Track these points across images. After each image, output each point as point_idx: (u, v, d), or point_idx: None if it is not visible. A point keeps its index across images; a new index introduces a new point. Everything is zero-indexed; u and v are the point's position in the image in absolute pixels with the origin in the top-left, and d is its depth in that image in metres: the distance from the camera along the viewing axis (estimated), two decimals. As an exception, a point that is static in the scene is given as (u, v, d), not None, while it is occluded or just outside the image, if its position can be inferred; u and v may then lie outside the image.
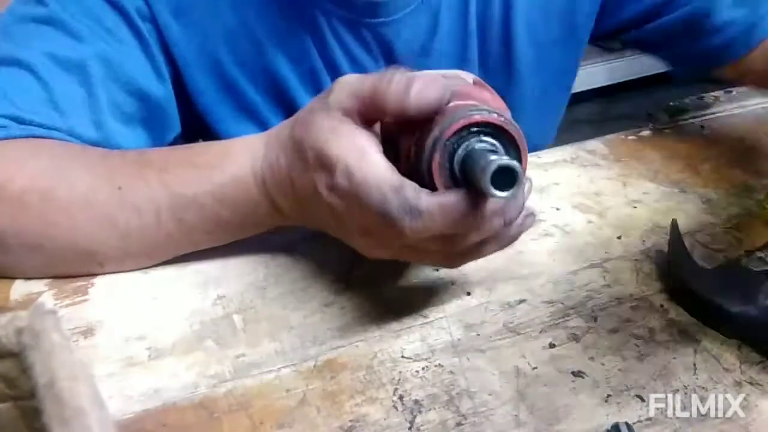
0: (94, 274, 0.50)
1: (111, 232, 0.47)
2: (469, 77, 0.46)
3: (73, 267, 0.50)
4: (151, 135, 0.60)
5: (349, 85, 0.41)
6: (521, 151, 0.38)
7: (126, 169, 0.48)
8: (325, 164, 0.40)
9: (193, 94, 0.62)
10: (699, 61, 0.70)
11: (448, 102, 0.39)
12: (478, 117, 0.37)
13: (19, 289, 0.49)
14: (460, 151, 0.37)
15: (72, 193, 0.47)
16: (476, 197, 0.37)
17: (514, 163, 0.34)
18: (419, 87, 0.38)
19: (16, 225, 0.47)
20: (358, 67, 0.65)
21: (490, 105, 0.40)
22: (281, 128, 0.45)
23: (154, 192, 0.47)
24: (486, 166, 0.34)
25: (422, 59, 0.66)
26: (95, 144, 0.54)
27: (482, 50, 0.68)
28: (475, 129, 0.37)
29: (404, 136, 0.41)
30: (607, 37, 0.76)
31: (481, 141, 0.37)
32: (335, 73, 0.64)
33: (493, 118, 0.37)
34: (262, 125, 0.65)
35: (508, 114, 0.40)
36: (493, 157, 0.35)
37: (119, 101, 0.56)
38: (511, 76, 0.70)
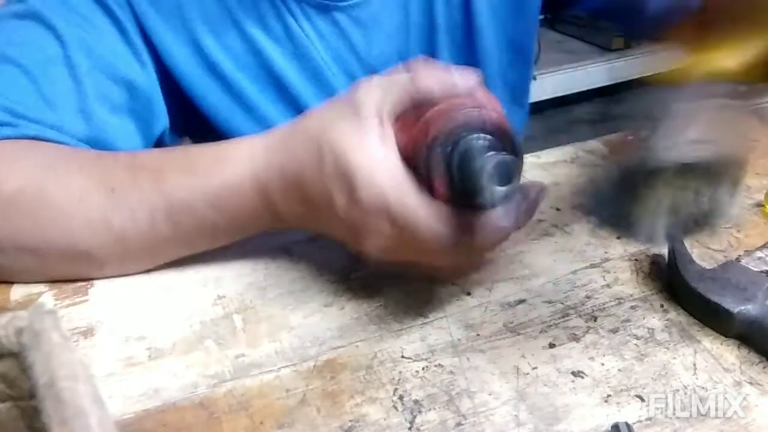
0: (94, 278, 0.50)
1: (107, 235, 0.47)
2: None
3: (71, 270, 0.49)
4: (138, 126, 0.59)
5: (379, 82, 0.42)
6: (517, 150, 0.39)
7: (119, 173, 0.47)
8: (344, 173, 0.40)
9: (178, 81, 0.62)
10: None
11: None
12: (475, 114, 0.38)
13: (19, 289, 0.50)
14: (458, 149, 0.38)
15: (66, 195, 0.47)
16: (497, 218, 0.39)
17: (510, 157, 0.36)
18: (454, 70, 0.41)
19: (9, 226, 0.47)
20: (333, 53, 0.65)
21: (483, 103, 0.41)
22: (287, 133, 0.45)
23: (149, 196, 0.46)
24: (484, 163, 0.36)
25: (399, 36, 0.67)
26: (86, 139, 0.54)
27: (447, 17, 0.69)
28: (471, 128, 0.38)
29: (401, 135, 0.41)
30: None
31: (478, 139, 0.38)
32: (313, 56, 0.64)
33: (489, 115, 0.38)
34: (251, 109, 0.65)
35: (502, 112, 0.40)
36: (490, 153, 0.36)
37: (105, 90, 0.56)
38: (473, 43, 0.70)
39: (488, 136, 0.38)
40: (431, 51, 0.69)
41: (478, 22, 0.69)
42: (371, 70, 0.63)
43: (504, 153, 0.37)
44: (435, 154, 0.38)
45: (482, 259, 0.43)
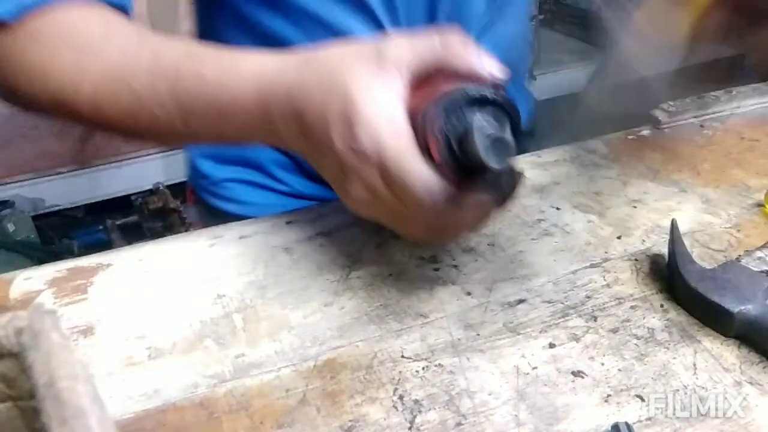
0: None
1: (131, 127, 0.51)
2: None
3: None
4: None
5: (411, 41, 0.42)
6: (515, 122, 0.41)
7: (143, 78, 0.49)
8: (347, 111, 0.40)
9: None
10: None
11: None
12: (475, 92, 0.40)
13: (19, 287, 0.50)
14: (457, 122, 0.39)
15: (97, 95, 0.50)
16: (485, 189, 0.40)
17: (508, 136, 0.38)
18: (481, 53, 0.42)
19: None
20: None
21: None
22: (304, 58, 0.45)
23: (166, 103, 0.48)
24: (483, 139, 0.38)
25: None
26: None
27: None
28: (472, 102, 0.40)
29: (413, 96, 0.42)
30: None
31: (478, 113, 0.40)
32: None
33: (488, 92, 0.40)
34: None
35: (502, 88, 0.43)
36: (490, 131, 0.38)
37: None
38: None
39: (486, 112, 0.40)
40: None
41: None
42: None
43: (501, 132, 0.39)
44: (437, 119, 0.39)
45: (458, 234, 0.43)
